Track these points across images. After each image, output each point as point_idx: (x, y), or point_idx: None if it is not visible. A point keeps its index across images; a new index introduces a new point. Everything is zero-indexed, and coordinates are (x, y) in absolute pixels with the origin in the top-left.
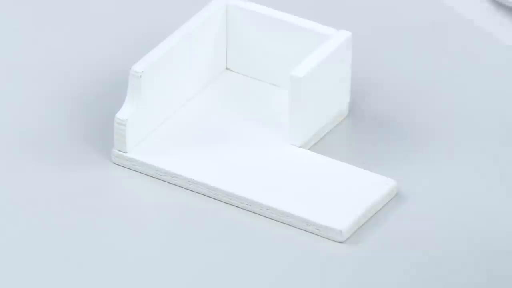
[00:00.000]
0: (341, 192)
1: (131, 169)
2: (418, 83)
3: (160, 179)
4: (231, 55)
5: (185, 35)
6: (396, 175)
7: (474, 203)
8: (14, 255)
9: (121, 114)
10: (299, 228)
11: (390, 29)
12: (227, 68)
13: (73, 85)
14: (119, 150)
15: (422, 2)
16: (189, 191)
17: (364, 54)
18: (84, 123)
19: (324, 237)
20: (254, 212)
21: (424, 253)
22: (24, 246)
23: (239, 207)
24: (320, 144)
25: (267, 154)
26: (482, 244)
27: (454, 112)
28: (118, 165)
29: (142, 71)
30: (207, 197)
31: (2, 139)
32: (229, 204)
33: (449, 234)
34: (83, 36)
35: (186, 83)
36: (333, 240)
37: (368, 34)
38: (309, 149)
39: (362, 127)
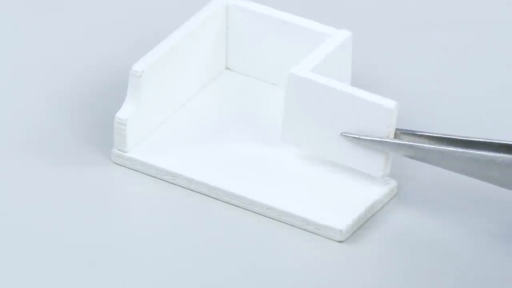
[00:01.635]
0: (341, 191)
1: (131, 169)
2: (419, 83)
3: (160, 179)
4: (231, 55)
5: (185, 34)
6: (396, 175)
7: (475, 202)
8: (14, 255)
9: (121, 114)
10: (299, 228)
11: (391, 28)
12: (227, 68)
13: (74, 85)
14: (119, 150)
15: (422, 1)
16: (189, 191)
17: (365, 54)
18: (85, 123)
19: (324, 237)
20: (254, 212)
21: (424, 253)
22: (24, 246)
23: (239, 207)
24: None
25: (267, 153)
26: (483, 243)
27: (456, 111)
28: (118, 164)
29: (142, 71)
30: (207, 197)
31: (2, 138)
32: (229, 203)
33: (450, 234)
34: (83, 36)
35: (186, 82)
36: (333, 240)
37: (369, 33)
38: None
39: None
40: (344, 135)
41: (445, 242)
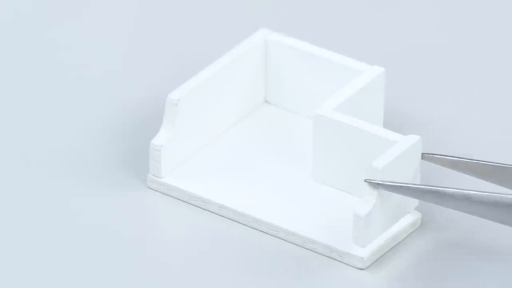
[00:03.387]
0: None
1: (165, 194)
2: (453, 122)
3: (193, 204)
4: (270, 89)
5: (223, 66)
6: (421, 206)
7: (500, 230)
8: (49, 278)
9: (156, 140)
10: (322, 254)
11: (428, 68)
12: (266, 101)
13: (114, 110)
14: (154, 175)
15: (457, 40)
16: (220, 216)
17: (403, 91)
18: (125, 148)
19: (346, 264)
20: (280, 238)
21: (447, 282)
22: (56, 268)
23: (266, 233)
24: None
25: (296, 183)
26: (509, 273)
27: (485, 148)
28: (153, 189)
29: (178, 99)
30: (236, 222)
31: (38, 162)
32: (257, 229)
33: (474, 263)
34: (124, 63)
35: (223, 113)
36: (354, 267)
37: (410, 71)
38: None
39: None
40: (368, 182)
41: (469, 272)
